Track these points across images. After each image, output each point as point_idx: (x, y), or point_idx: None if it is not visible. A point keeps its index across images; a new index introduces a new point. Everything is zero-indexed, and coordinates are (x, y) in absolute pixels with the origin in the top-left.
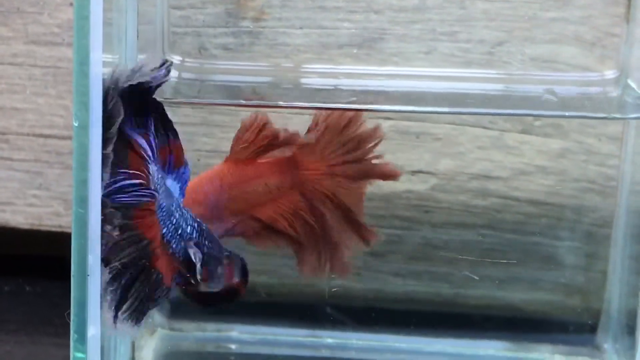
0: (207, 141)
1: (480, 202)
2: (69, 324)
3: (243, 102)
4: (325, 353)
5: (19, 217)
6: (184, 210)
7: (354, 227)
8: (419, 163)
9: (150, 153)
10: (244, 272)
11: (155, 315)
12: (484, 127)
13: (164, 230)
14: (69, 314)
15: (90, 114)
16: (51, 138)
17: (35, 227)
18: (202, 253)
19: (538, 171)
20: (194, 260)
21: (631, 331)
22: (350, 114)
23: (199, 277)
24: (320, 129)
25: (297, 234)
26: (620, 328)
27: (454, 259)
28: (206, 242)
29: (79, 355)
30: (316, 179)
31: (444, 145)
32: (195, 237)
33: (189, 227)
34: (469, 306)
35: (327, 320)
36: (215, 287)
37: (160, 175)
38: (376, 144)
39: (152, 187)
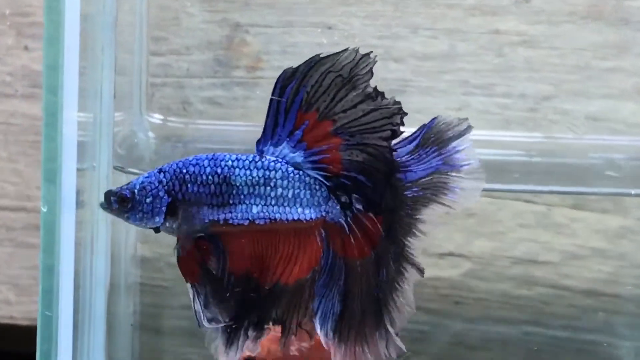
0: None
1: (525, 292)
2: None
3: None
4: None
5: None
6: None
7: None
8: (448, 244)
9: None
10: None
11: None
12: (527, 201)
13: None
14: None
15: (61, 192)
16: (0, 210)
17: None
18: None
19: (594, 255)
20: None
21: None
22: None
23: None
24: None
25: None
26: None
27: None
28: None
29: None
30: None
31: (479, 223)
32: None
33: None
34: None
35: None
36: None
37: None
38: None
39: None
